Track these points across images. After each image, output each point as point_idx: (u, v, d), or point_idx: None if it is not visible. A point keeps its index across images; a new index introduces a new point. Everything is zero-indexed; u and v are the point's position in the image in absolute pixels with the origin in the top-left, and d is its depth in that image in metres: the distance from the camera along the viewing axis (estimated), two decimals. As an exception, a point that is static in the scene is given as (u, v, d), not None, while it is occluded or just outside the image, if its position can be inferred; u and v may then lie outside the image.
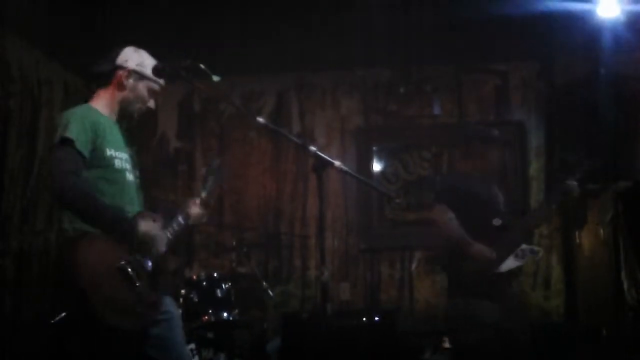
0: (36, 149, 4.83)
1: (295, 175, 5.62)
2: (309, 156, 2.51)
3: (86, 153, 2.43)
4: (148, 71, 2.64)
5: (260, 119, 2.64)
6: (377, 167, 5.65)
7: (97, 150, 2.48)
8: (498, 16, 4.41)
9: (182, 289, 4.13)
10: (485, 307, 3.26)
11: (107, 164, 2.50)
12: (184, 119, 5.81)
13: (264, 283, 4.58)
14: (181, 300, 4.09)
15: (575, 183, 3.36)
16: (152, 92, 2.69)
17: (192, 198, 2.79)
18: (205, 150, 5.70)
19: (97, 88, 2.67)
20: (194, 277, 4.27)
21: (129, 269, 2.34)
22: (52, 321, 3.78)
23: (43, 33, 4.68)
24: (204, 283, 4.23)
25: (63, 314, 3.75)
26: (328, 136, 5.70)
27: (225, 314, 4.17)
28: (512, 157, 5.47)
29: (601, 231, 4.62)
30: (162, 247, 2.51)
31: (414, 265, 5.42)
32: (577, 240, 5.03)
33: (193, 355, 3.87)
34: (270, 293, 4.59)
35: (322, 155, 2.47)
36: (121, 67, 2.62)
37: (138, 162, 2.76)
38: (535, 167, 5.48)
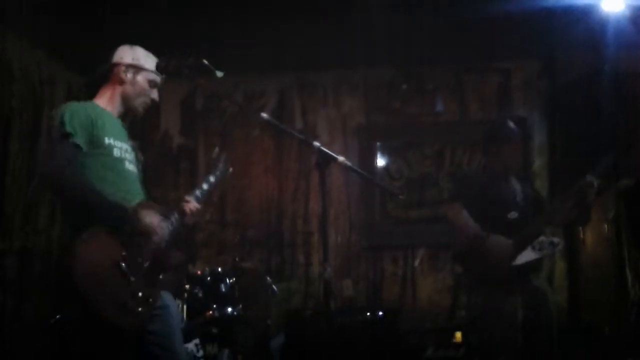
0: (38, 148, 4.83)
1: (298, 173, 5.63)
2: (313, 152, 2.51)
3: (82, 144, 2.44)
4: (144, 63, 2.67)
5: (264, 115, 2.65)
6: (380, 164, 5.65)
7: (95, 139, 2.48)
8: (500, 14, 4.41)
9: (186, 284, 4.14)
10: (505, 300, 3.25)
11: (106, 152, 2.51)
12: (187, 116, 5.82)
13: (268, 278, 4.58)
14: (185, 295, 4.10)
15: (593, 178, 3.30)
16: (152, 84, 2.71)
17: (188, 195, 2.77)
18: (207, 148, 5.70)
19: (98, 87, 2.69)
20: (198, 272, 4.28)
21: (124, 266, 2.34)
22: (52, 321, 3.79)
23: (45, 33, 4.69)
24: (208, 279, 4.24)
25: (58, 316, 3.77)
26: (330, 134, 5.70)
27: (229, 310, 4.18)
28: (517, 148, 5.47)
29: (605, 228, 4.62)
30: (165, 236, 2.51)
31: (416, 263, 5.42)
32: (581, 237, 5.03)
33: (197, 350, 3.88)
34: (275, 288, 4.59)
35: (326, 150, 2.47)
36: (117, 64, 2.65)
37: (141, 157, 2.77)
38: (538, 165, 5.48)
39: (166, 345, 2.49)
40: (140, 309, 2.38)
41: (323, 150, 2.47)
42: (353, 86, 5.75)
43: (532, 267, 3.33)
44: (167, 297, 2.57)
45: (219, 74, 2.78)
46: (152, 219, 2.48)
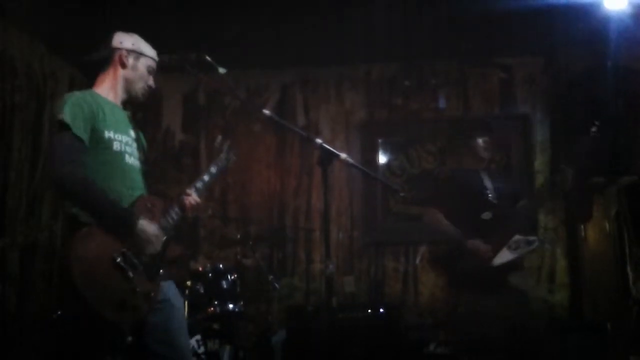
0: (41, 143, 4.83)
1: (300, 169, 5.63)
2: (315, 149, 2.51)
3: (84, 136, 2.43)
4: (143, 49, 2.70)
5: (266, 111, 2.65)
6: (382, 160, 5.64)
7: (95, 132, 2.47)
8: (503, 9, 4.39)
9: (188, 280, 4.14)
10: (483, 301, 3.25)
11: (105, 146, 2.49)
12: (189, 112, 5.82)
13: (269, 274, 4.58)
14: (187, 291, 4.10)
15: (570, 170, 3.28)
16: (150, 69, 2.72)
17: (189, 187, 2.76)
18: (210, 144, 5.70)
19: (97, 73, 2.69)
20: (200, 268, 4.28)
21: (122, 262, 2.33)
22: (54, 316, 3.79)
23: (47, 27, 4.68)
24: (210, 275, 4.24)
25: (59, 312, 3.77)
26: (333, 130, 5.70)
27: (230, 306, 4.19)
28: (517, 150, 5.47)
29: (606, 225, 4.61)
30: (157, 247, 2.48)
31: (418, 259, 5.42)
32: (583, 234, 5.03)
33: (199, 346, 3.88)
34: (276, 285, 4.59)
35: (329, 147, 2.47)
36: (118, 49, 2.66)
37: (144, 147, 2.76)
38: (540, 161, 5.47)
39: (166, 339, 2.48)
40: (140, 305, 2.37)
41: (326, 147, 2.47)
42: (355, 82, 5.74)
43: (510, 266, 3.30)
44: (168, 289, 2.56)
45: (222, 70, 2.79)
46: (148, 229, 2.45)
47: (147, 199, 2.55)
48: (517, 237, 3.25)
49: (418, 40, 5.08)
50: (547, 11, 4.43)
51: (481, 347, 3.22)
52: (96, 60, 2.69)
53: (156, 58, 2.74)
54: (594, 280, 4.92)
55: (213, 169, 2.88)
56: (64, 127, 2.40)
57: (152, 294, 2.43)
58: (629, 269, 4.35)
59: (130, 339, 2.46)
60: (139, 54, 2.68)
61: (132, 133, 2.66)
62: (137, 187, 2.57)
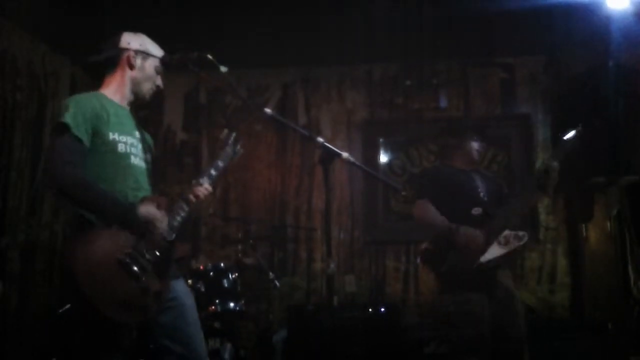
0: (42, 141, 4.84)
1: (301, 168, 5.63)
2: (316, 148, 2.51)
3: (85, 138, 2.41)
4: (151, 50, 2.68)
5: (267, 110, 2.64)
6: (383, 160, 5.64)
7: (98, 134, 2.45)
8: (504, 9, 4.39)
9: (189, 279, 4.14)
10: (472, 299, 3.23)
11: (109, 148, 2.47)
12: (190, 111, 5.82)
13: (271, 273, 4.58)
14: (188, 290, 4.10)
15: (555, 163, 3.27)
16: (158, 70, 2.70)
17: (194, 182, 2.71)
18: (211, 143, 5.71)
19: (104, 74, 2.67)
20: (201, 267, 4.28)
21: (129, 262, 2.31)
22: (60, 311, 3.80)
23: (49, 26, 4.69)
24: (211, 273, 4.24)
25: (69, 305, 3.77)
26: (333, 129, 5.70)
27: (231, 305, 4.19)
28: (517, 150, 5.47)
29: (607, 225, 4.61)
30: (166, 227, 2.46)
31: (419, 258, 5.41)
32: (584, 234, 5.03)
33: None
34: (277, 283, 4.59)
35: (330, 146, 2.47)
36: (125, 49, 2.64)
37: (151, 147, 2.74)
38: (541, 161, 5.46)
39: (176, 337, 2.47)
40: (150, 304, 2.36)
41: (327, 146, 2.47)
42: (356, 82, 5.74)
43: (498, 264, 3.28)
44: (178, 287, 2.54)
45: (223, 68, 2.77)
46: (150, 210, 2.43)
47: (152, 198, 2.53)
48: (506, 232, 3.23)
49: (419, 40, 5.07)
50: (548, 10, 4.43)
51: (475, 346, 3.21)
52: (102, 61, 2.67)
53: (163, 56, 2.72)
54: (594, 280, 4.92)
55: (220, 163, 2.81)
56: (65, 128, 2.39)
57: (161, 293, 2.41)
58: (629, 268, 4.35)
59: (134, 337, 2.45)
60: (146, 55, 2.67)
61: (138, 134, 2.64)
62: (141, 187, 2.55)
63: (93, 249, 2.27)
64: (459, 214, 3.33)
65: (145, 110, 5.33)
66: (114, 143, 2.50)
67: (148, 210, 2.42)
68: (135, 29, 2.75)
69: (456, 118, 5.55)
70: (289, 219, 5.56)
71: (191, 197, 2.60)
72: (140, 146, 2.62)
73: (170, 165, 5.70)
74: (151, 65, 2.67)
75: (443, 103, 5.62)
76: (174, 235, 2.50)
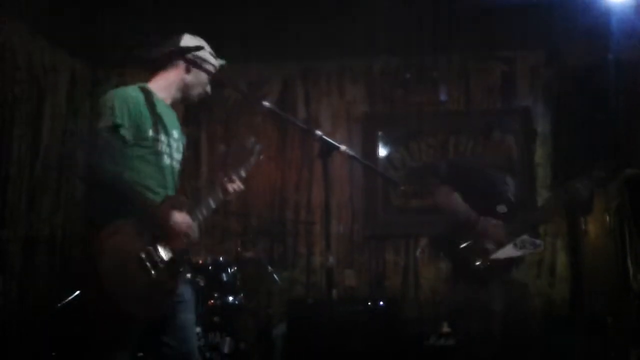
0: (41, 136, 4.84)
1: (301, 162, 5.62)
2: (315, 141, 2.51)
3: (129, 137, 2.43)
4: (208, 57, 2.70)
5: (267, 103, 2.65)
6: (382, 153, 5.64)
7: (139, 131, 2.46)
8: (505, 2, 4.38)
9: (188, 273, 4.14)
10: (484, 292, 3.25)
11: (147, 144, 2.49)
12: (190, 105, 5.79)
13: (270, 268, 4.59)
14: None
15: (584, 187, 3.30)
16: (211, 77, 2.73)
17: (224, 178, 2.78)
18: (210, 137, 5.70)
19: (154, 71, 2.67)
20: (200, 261, 4.29)
21: (148, 258, 2.36)
22: (59, 304, 3.81)
23: (48, 20, 4.68)
24: (210, 268, 4.26)
25: (69, 298, 3.79)
26: (333, 123, 5.69)
27: (231, 299, 4.20)
28: (518, 143, 5.46)
29: (607, 218, 4.61)
30: (194, 239, 2.55)
31: (418, 252, 5.42)
32: (583, 227, 5.02)
33: (199, 339, 3.89)
34: (276, 277, 4.59)
35: (328, 139, 2.47)
36: (186, 51, 2.65)
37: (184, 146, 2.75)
38: (541, 154, 5.46)
39: (181, 336, 2.52)
40: (163, 301, 2.42)
41: (325, 139, 2.47)
42: (356, 75, 5.73)
43: (513, 262, 3.30)
44: (184, 288, 2.59)
45: (222, 62, 2.79)
46: (183, 220, 2.50)
47: (174, 198, 2.56)
48: (525, 236, 3.26)
49: (419, 33, 5.06)
50: (548, 4, 4.42)
51: (480, 339, 3.22)
52: (158, 57, 2.66)
53: (217, 66, 2.74)
54: (594, 274, 4.91)
55: (243, 173, 2.89)
56: (110, 124, 2.39)
57: (173, 291, 2.47)
58: (629, 262, 4.34)
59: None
60: (203, 60, 2.68)
61: (176, 134, 2.65)
62: (169, 187, 2.58)
63: (117, 243, 2.31)
64: (484, 208, 3.34)
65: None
66: (152, 140, 2.51)
67: (180, 218, 2.49)
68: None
69: (456, 112, 5.54)
70: (288, 214, 5.56)
71: (229, 188, 2.74)
72: (175, 146, 2.63)
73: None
74: (206, 71, 2.70)
75: (443, 97, 5.60)
76: (197, 235, 2.58)
